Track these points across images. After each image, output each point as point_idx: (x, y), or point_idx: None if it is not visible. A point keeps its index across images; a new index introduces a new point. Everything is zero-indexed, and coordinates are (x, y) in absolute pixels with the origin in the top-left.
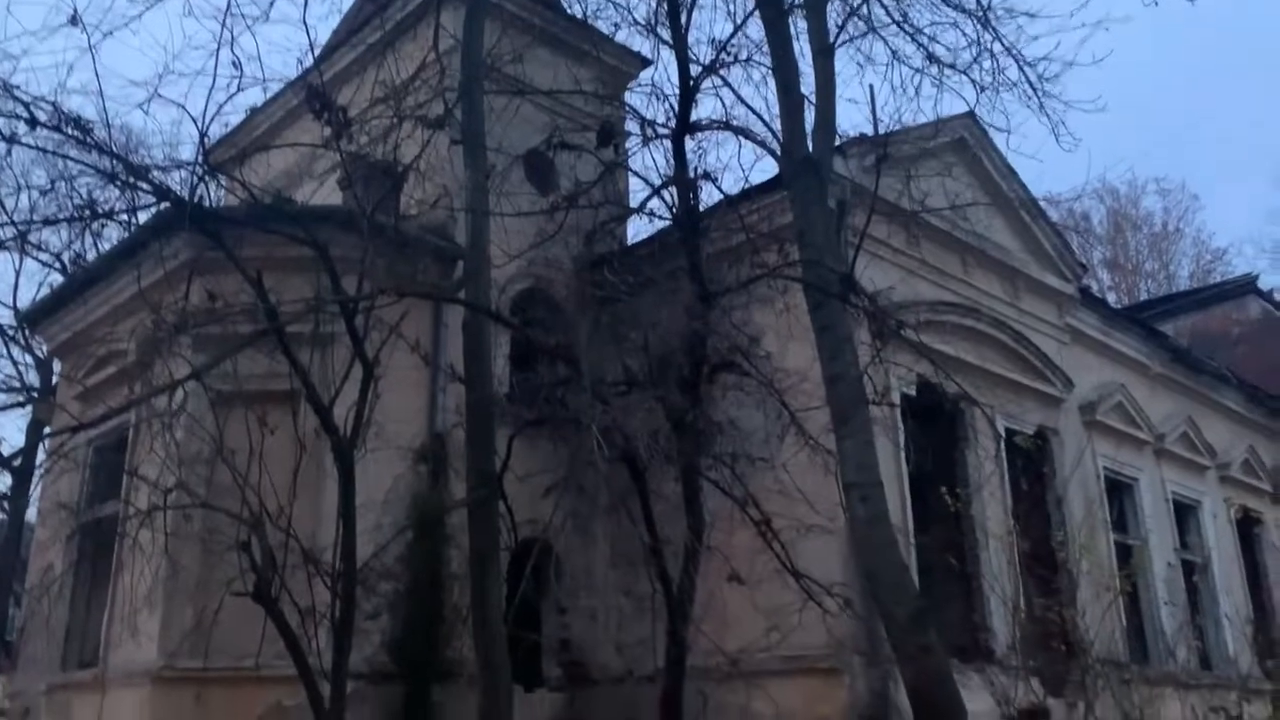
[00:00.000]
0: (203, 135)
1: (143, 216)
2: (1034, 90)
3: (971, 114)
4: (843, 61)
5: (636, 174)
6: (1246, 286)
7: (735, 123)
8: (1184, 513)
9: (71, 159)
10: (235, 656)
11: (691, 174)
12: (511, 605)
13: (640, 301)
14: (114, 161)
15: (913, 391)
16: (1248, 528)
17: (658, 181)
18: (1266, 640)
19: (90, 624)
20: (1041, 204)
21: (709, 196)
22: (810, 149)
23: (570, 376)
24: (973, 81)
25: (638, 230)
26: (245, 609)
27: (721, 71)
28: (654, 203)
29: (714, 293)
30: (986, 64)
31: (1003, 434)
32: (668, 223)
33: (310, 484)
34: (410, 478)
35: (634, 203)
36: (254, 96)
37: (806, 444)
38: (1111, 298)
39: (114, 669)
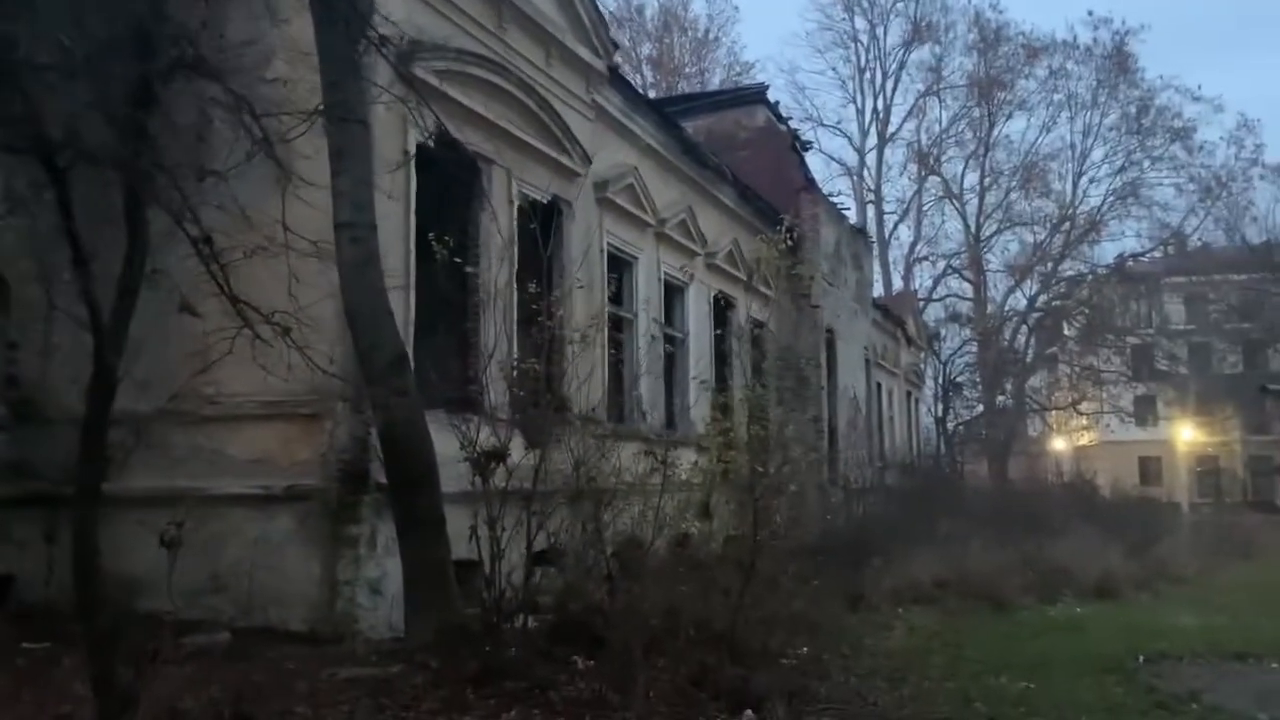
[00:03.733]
0: None
1: None
2: None
3: None
4: None
5: None
6: (757, 96)
7: None
8: (673, 292)
9: None
10: None
11: None
12: None
13: None
14: None
15: (430, 142)
16: (722, 310)
17: None
18: (720, 405)
19: None
20: None
21: None
22: None
23: None
24: None
25: None
26: None
27: None
28: None
29: None
30: None
31: (516, 199)
32: None
33: None
34: None
35: None
36: None
37: (282, 170)
38: (652, 95)
39: None
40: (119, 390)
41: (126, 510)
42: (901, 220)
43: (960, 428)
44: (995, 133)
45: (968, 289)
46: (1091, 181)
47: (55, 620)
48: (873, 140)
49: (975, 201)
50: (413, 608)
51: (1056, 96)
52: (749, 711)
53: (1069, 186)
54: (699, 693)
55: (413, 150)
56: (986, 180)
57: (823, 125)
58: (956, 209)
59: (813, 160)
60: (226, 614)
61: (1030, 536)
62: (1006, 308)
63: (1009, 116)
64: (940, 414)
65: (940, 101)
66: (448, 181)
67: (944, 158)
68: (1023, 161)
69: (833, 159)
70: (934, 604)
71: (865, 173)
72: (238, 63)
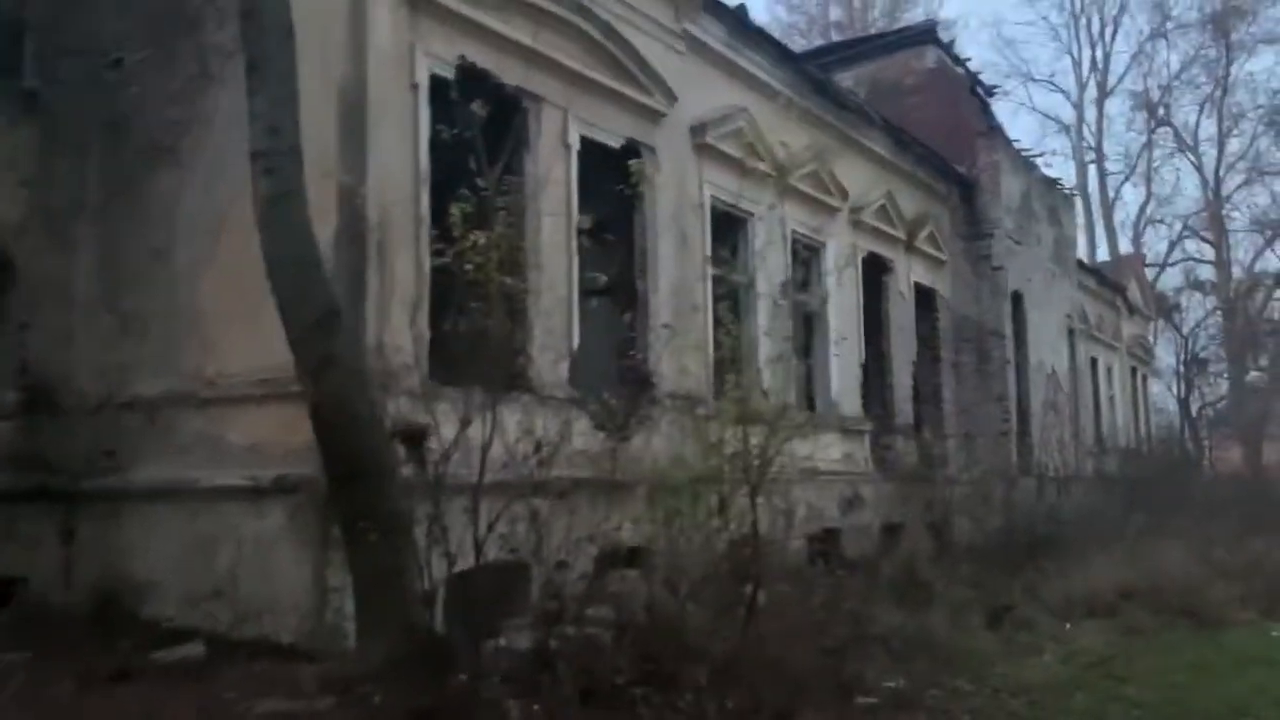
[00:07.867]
0: None
1: None
2: None
3: None
4: None
5: None
6: (925, 35)
7: None
8: (805, 254)
9: None
10: None
11: None
12: None
13: None
14: None
15: (449, 74)
16: (875, 274)
17: None
18: (882, 385)
19: None
20: None
21: None
22: None
23: None
24: None
25: None
26: None
27: None
28: None
29: None
30: None
31: (576, 142)
32: None
33: None
34: None
35: None
36: None
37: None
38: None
39: None
40: (131, 373)
41: (136, 505)
42: (1128, 179)
43: (1208, 409)
44: (1234, 72)
45: (1208, 251)
46: None
47: (60, 627)
48: (1092, 93)
49: (1213, 152)
50: (361, 626)
51: None
52: None
53: None
54: None
55: (423, 82)
56: (1226, 126)
57: (1033, 80)
58: (1192, 162)
59: (1025, 120)
60: (225, 621)
61: (1272, 534)
62: (1256, 270)
63: (1251, 52)
64: (1183, 393)
65: (1169, 43)
66: (490, 119)
67: (1175, 105)
68: (1270, 101)
69: (1047, 117)
70: (1114, 618)
71: (1084, 129)
72: None
